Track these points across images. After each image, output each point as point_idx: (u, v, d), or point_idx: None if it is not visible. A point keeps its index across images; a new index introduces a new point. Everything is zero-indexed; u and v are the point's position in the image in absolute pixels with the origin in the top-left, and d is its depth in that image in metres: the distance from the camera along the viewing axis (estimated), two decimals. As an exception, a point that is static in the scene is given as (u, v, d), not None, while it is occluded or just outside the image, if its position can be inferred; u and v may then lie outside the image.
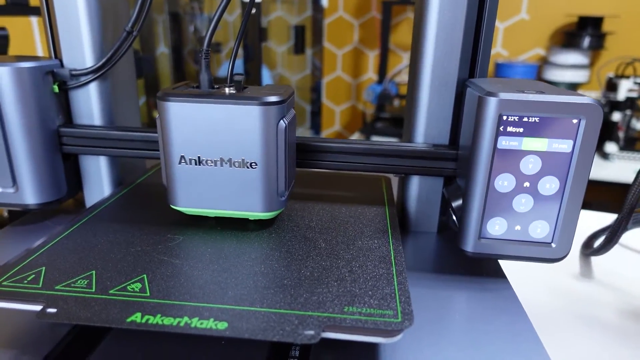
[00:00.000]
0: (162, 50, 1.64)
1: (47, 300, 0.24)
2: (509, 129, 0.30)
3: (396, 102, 1.86)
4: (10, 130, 0.36)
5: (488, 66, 0.38)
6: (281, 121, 0.30)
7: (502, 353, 0.26)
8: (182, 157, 0.31)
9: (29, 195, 0.38)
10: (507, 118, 0.29)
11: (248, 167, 0.31)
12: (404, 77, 1.89)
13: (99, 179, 0.41)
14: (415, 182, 0.39)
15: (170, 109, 0.30)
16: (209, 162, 0.31)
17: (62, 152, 0.39)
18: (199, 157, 0.31)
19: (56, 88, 0.38)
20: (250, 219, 0.33)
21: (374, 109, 1.83)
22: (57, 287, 0.25)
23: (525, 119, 0.29)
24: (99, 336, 0.26)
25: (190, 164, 0.31)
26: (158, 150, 0.37)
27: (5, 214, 0.45)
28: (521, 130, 0.30)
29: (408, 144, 0.37)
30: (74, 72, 0.38)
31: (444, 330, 0.28)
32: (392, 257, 0.29)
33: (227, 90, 0.31)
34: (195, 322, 0.22)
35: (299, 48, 1.80)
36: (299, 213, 0.36)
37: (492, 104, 0.29)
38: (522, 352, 0.27)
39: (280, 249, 0.30)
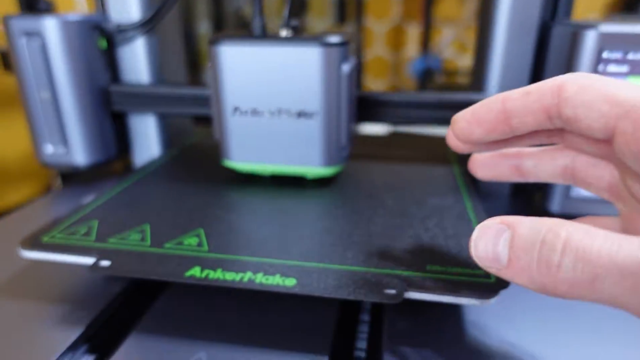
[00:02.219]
0: (204, 29, 1.63)
1: (101, 253, 0.22)
2: (611, 68, 0.26)
3: (440, 79, 1.79)
4: (59, 87, 0.34)
5: (572, 5, 0.33)
6: (344, 65, 0.27)
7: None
8: (237, 108, 0.29)
9: (79, 155, 0.37)
10: (609, 55, 0.25)
11: (308, 117, 0.28)
12: (447, 52, 1.81)
13: (148, 140, 0.40)
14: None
15: (223, 54, 0.28)
16: (265, 112, 0.28)
17: (111, 111, 0.38)
18: (254, 107, 0.28)
19: (104, 43, 0.36)
20: (308, 177, 0.31)
21: (416, 86, 1.77)
22: (110, 240, 0.23)
23: (630, 56, 0.25)
24: (154, 293, 0.24)
25: (245, 115, 0.29)
26: (208, 108, 0.35)
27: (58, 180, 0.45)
28: (625, 69, 0.25)
29: (481, 94, 0.33)
30: (121, 27, 0.36)
31: (535, 298, 0.25)
32: (472, 215, 0.26)
33: (283, 33, 0.28)
34: (260, 278, 0.20)
35: (339, 23, 1.75)
36: (360, 173, 0.33)
37: (590, 39, 0.25)
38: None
39: (343, 206, 0.28)
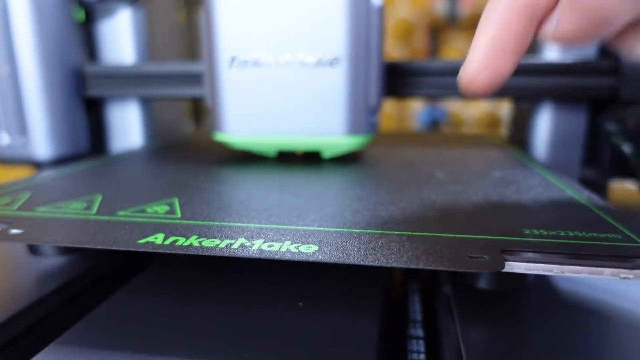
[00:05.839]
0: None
1: (15, 221, 0.15)
2: None
3: (446, 130, 1.76)
4: (21, 62, 0.28)
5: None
6: (375, -4, 0.21)
7: None
8: (234, 58, 0.22)
9: (41, 147, 0.30)
10: None
11: (328, 66, 0.21)
12: (453, 103, 1.79)
13: (128, 133, 0.33)
14: (545, 116, 0.28)
15: (218, -11, 0.21)
16: (271, 62, 0.22)
17: (84, 96, 0.31)
18: (257, 57, 0.22)
19: (81, 14, 0.31)
20: (325, 154, 0.24)
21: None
22: (39, 209, 0.16)
23: None
24: (93, 301, 0.16)
25: (245, 66, 0.22)
26: (203, 87, 0.28)
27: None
28: None
29: (540, 59, 0.26)
30: (102, -4, 0.31)
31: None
32: (562, 185, 0.18)
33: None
34: (260, 244, 0.12)
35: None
36: (392, 152, 0.26)
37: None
38: None
39: (377, 177, 0.20)
